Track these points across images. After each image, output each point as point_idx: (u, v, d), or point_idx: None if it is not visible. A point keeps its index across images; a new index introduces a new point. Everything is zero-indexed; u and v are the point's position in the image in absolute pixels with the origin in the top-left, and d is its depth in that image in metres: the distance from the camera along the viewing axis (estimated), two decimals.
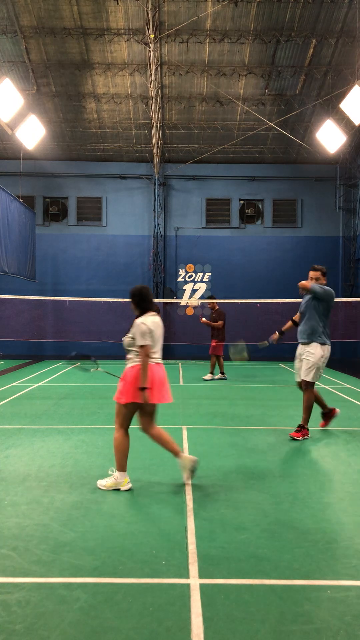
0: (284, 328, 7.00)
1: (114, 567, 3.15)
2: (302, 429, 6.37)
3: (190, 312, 18.79)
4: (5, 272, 13.37)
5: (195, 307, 18.76)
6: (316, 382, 6.47)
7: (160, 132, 17.27)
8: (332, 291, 6.34)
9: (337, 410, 6.93)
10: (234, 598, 2.84)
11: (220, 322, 12.05)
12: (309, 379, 6.33)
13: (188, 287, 19.08)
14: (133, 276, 18.98)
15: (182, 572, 3.11)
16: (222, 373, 12.24)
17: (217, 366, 12.30)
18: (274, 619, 2.65)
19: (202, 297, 18.74)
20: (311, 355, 6.29)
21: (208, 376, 12.15)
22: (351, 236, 18.84)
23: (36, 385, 10.95)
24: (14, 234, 14.05)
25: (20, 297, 15.25)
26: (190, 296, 18.87)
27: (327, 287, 6.33)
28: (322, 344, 6.32)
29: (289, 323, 6.96)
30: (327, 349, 6.38)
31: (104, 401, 9.02)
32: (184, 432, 6.68)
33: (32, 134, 15.39)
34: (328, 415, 6.93)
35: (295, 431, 6.40)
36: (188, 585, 2.96)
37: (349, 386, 11.20)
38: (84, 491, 4.46)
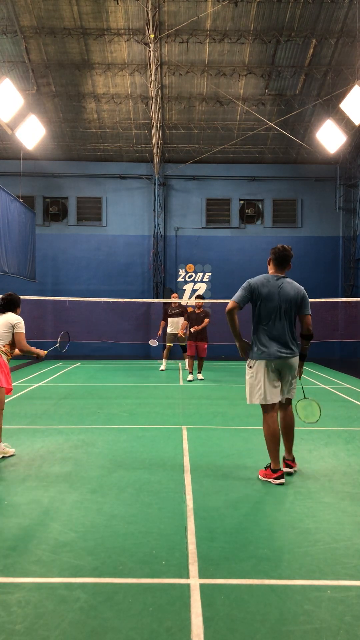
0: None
1: (114, 567, 3.15)
2: (267, 468, 4.87)
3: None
4: (5, 272, 13.37)
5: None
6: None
7: (160, 132, 17.27)
8: (246, 283, 4.86)
9: (281, 477, 4.74)
10: (234, 598, 2.84)
11: (207, 320, 11.97)
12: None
13: (188, 287, 19.08)
14: (133, 276, 18.99)
15: (182, 572, 3.11)
16: (191, 373, 12.05)
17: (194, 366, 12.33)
18: (274, 619, 2.65)
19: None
20: None
21: (200, 375, 12.16)
22: (351, 236, 18.85)
23: (36, 385, 10.95)
24: (14, 234, 14.05)
25: (20, 297, 15.21)
26: (190, 296, 18.85)
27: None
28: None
29: None
30: (252, 362, 4.85)
31: (104, 401, 9.02)
32: (184, 432, 6.68)
33: (32, 134, 15.40)
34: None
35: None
36: (188, 585, 2.96)
37: (348, 386, 11.20)
38: (84, 491, 4.46)
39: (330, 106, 16.03)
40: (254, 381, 4.78)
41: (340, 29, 13.93)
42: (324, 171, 19.04)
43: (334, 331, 18.37)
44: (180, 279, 19.08)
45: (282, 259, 4.86)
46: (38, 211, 18.65)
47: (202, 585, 2.96)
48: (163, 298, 18.07)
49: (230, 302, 4.69)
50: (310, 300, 5.08)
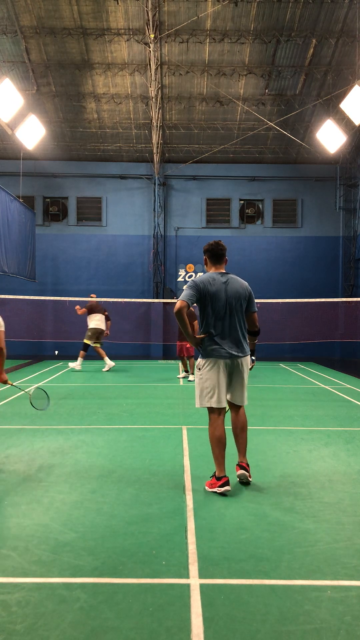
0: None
1: (114, 567, 3.15)
2: (212, 477, 4.58)
3: None
4: (5, 272, 13.37)
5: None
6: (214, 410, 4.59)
7: (160, 132, 17.27)
8: (192, 282, 4.63)
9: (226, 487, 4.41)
10: (234, 598, 2.84)
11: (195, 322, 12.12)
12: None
13: None
14: (133, 276, 18.99)
15: (182, 572, 3.11)
16: (186, 371, 12.36)
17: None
18: (274, 619, 2.65)
19: None
20: None
21: (190, 376, 12.31)
22: (351, 236, 18.85)
23: (36, 385, 10.93)
24: (14, 234, 14.05)
25: (20, 297, 15.26)
26: None
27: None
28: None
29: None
30: (201, 362, 4.64)
31: (104, 401, 9.02)
32: (184, 432, 6.68)
33: (32, 134, 15.41)
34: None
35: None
36: (188, 585, 2.96)
37: (349, 386, 11.20)
38: (84, 491, 4.46)
39: (330, 106, 16.03)
40: (205, 382, 4.51)
41: (340, 29, 13.94)
42: (324, 171, 19.04)
43: (334, 331, 18.38)
44: (180, 279, 19.08)
45: (218, 255, 4.78)
46: (38, 211, 18.65)
47: (202, 585, 2.96)
48: (163, 298, 18.06)
49: (178, 302, 4.50)
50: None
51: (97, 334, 13.53)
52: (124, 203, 19.05)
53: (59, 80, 15.85)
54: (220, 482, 4.39)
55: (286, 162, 18.97)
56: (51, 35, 14.20)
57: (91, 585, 2.95)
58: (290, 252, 19.08)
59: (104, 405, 8.58)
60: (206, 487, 4.51)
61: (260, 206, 19.22)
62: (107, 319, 13.73)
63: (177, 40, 14.38)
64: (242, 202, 19.19)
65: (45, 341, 18.53)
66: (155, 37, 13.50)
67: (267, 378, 12.60)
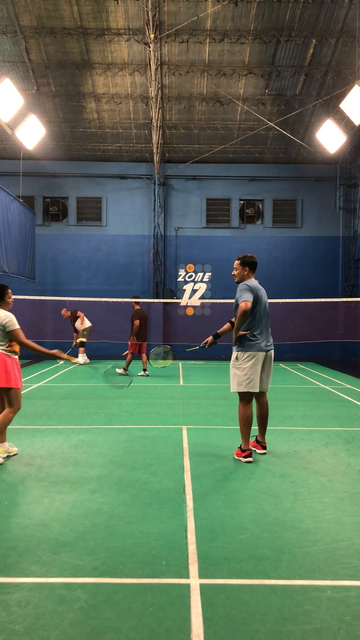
0: (220, 331, 5.84)
1: (114, 567, 3.15)
2: (239, 448, 5.54)
3: (190, 312, 18.83)
4: (5, 272, 13.36)
5: (195, 307, 18.81)
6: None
7: (160, 132, 17.27)
8: (242, 286, 5.36)
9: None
10: (234, 598, 2.84)
11: (136, 322, 12.40)
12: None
13: (188, 287, 19.08)
14: (133, 276, 18.99)
15: (182, 572, 3.11)
16: (124, 370, 12.36)
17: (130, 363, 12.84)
18: (274, 619, 2.65)
19: (202, 297, 18.77)
20: None
21: (141, 373, 12.71)
22: (351, 236, 18.85)
23: (36, 385, 10.95)
24: (14, 234, 14.04)
25: (20, 297, 15.25)
26: (191, 296, 18.88)
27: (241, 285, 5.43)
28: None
29: (227, 325, 5.80)
30: (240, 355, 5.39)
31: (104, 401, 9.02)
32: (184, 432, 6.68)
33: (32, 134, 15.41)
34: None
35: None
36: (188, 585, 2.96)
37: (349, 386, 11.20)
38: (84, 491, 4.46)
39: (330, 106, 16.03)
40: (243, 371, 5.33)
41: (340, 29, 13.94)
42: (324, 171, 19.04)
43: (334, 331, 18.38)
44: (180, 279, 19.08)
45: (255, 265, 5.59)
46: (38, 211, 18.65)
47: (202, 585, 2.96)
48: (163, 298, 18.06)
49: (247, 303, 5.24)
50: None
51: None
52: (124, 203, 19.05)
53: (59, 80, 15.85)
54: (244, 454, 5.36)
55: (286, 162, 18.97)
56: (51, 35, 14.19)
57: (91, 585, 2.95)
58: (290, 252, 19.07)
59: (104, 405, 8.58)
60: (235, 456, 5.47)
61: (260, 206, 19.21)
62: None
63: (177, 40, 14.38)
64: (242, 202, 19.19)
65: (45, 341, 18.50)
66: (155, 37, 13.50)
67: None
